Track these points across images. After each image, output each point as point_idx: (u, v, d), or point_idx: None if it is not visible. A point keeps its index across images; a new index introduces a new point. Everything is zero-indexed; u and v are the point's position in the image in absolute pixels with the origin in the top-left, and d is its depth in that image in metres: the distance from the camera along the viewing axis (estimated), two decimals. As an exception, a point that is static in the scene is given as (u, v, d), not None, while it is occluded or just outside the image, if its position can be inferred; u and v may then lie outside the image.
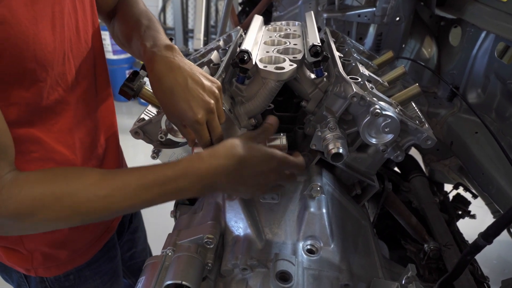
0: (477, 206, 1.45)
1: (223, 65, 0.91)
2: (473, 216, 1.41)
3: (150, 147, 0.94)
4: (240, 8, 2.56)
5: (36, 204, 0.63)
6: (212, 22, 4.81)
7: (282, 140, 0.80)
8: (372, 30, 1.50)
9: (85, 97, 0.89)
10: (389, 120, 0.80)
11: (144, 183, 0.67)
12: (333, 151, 0.79)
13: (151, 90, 0.89)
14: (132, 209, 0.70)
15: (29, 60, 0.68)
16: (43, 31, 0.69)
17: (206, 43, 4.47)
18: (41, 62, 0.70)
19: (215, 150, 0.71)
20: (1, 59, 0.64)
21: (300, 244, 0.82)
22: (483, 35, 1.22)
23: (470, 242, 0.87)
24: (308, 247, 0.81)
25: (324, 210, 0.83)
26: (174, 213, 1.03)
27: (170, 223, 0.98)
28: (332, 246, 0.81)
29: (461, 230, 1.23)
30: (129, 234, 1.27)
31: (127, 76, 0.86)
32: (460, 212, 1.40)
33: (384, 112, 0.79)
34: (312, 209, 0.83)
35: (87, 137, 0.91)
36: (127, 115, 4.59)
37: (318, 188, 0.84)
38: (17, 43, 0.65)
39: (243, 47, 0.87)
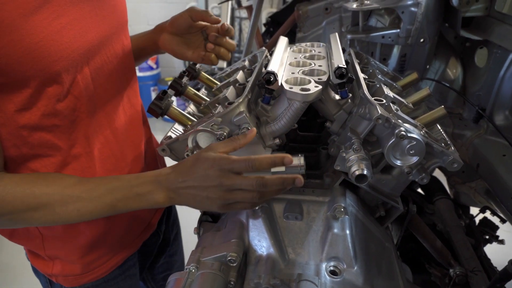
0: (506, 231, 1.41)
1: (249, 85, 0.93)
2: (501, 242, 1.36)
3: (171, 161, 0.95)
4: (264, 29, 2.61)
5: (16, 202, 0.72)
6: (235, 41, 4.91)
7: (300, 160, 0.81)
8: (396, 51, 1.50)
9: (105, 107, 0.90)
10: (414, 142, 0.80)
11: (109, 188, 0.77)
12: (357, 172, 0.79)
13: (179, 109, 0.93)
14: (98, 214, 0.78)
15: (28, 68, 0.70)
16: (44, 40, 0.70)
17: (229, 61, 4.54)
18: (45, 70, 0.72)
19: (177, 164, 0.80)
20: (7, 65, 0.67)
21: (323, 265, 0.81)
22: (511, 56, 1.20)
23: (499, 268, 0.84)
24: (331, 268, 0.81)
25: (347, 231, 0.83)
26: (197, 230, 1.04)
27: (194, 240, 0.99)
28: (355, 268, 0.81)
29: (489, 255, 1.19)
30: (166, 257, 1.31)
31: (155, 93, 0.89)
32: (487, 237, 1.36)
33: (409, 135, 0.79)
34: (335, 230, 0.83)
35: (105, 148, 0.91)
36: (150, 131, 4.68)
37: (342, 209, 0.84)
38: (15, 51, 0.67)
39: (270, 68, 0.89)
